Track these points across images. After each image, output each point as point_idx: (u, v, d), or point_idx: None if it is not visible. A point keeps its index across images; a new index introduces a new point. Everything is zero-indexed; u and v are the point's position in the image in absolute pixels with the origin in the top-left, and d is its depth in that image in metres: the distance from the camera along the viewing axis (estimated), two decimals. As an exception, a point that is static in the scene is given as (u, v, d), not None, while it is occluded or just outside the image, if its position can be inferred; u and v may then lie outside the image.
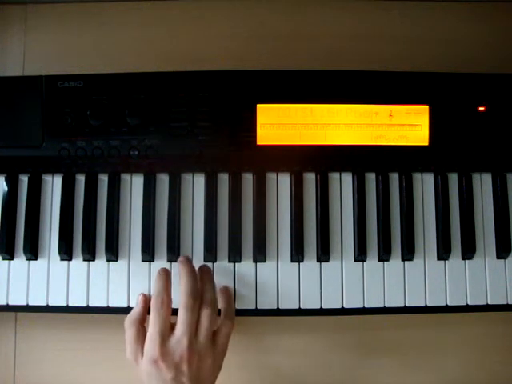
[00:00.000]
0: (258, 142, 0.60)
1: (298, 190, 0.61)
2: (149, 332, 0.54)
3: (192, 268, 0.57)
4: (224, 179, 0.61)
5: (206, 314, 0.55)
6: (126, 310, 0.58)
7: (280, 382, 0.65)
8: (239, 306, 0.59)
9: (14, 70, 0.68)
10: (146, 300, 0.58)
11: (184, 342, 0.53)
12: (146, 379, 0.53)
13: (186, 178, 0.61)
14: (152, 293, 0.57)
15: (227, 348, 0.56)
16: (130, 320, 0.57)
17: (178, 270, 0.58)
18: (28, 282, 0.59)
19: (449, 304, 0.59)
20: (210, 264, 0.60)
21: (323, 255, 0.59)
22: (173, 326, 0.55)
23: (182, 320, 0.54)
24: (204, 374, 0.54)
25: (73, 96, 0.60)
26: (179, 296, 0.55)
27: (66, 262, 0.60)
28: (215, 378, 0.55)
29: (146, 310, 0.57)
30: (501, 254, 0.60)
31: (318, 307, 0.59)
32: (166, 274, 0.57)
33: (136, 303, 0.58)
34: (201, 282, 0.57)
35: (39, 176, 0.61)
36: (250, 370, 0.65)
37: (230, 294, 0.59)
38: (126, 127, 0.60)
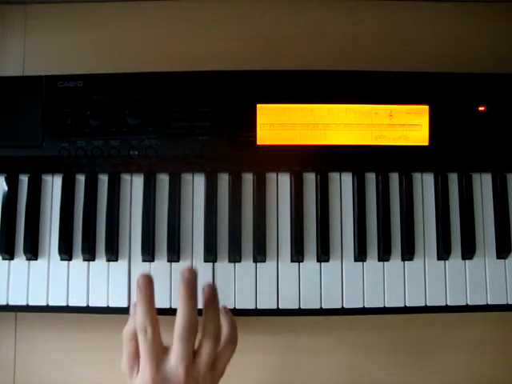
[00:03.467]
0: (258, 142, 0.60)
1: (297, 190, 0.61)
2: (141, 359, 0.50)
3: (193, 292, 0.52)
4: (224, 179, 0.61)
5: (207, 348, 0.51)
6: (126, 310, 0.58)
7: (278, 381, 0.65)
8: (239, 306, 0.59)
9: (14, 69, 0.68)
10: None
11: (180, 372, 0.49)
12: None
13: (186, 178, 0.61)
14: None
15: (224, 372, 0.53)
16: (127, 333, 0.52)
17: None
18: (28, 282, 0.59)
19: (449, 304, 0.59)
20: (209, 264, 0.60)
21: (323, 255, 0.59)
22: (166, 348, 0.51)
23: (176, 351, 0.50)
24: None
25: (73, 96, 0.60)
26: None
27: (66, 262, 0.60)
28: None
29: None
30: (501, 253, 0.60)
31: (318, 307, 0.59)
32: (147, 291, 0.52)
33: (130, 315, 0.54)
34: (204, 310, 0.53)
35: (39, 176, 0.61)
36: (248, 370, 0.65)
37: (232, 318, 0.56)
38: (126, 127, 0.60)
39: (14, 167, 0.61)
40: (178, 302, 0.51)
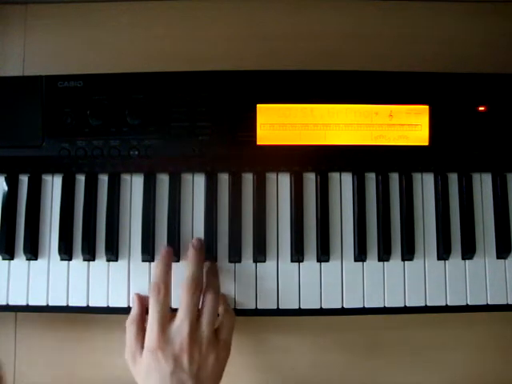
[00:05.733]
0: (258, 142, 0.60)
1: (297, 190, 0.61)
2: (148, 321, 0.54)
3: (201, 255, 0.57)
4: (224, 179, 0.61)
5: (209, 298, 0.55)
6: (126, 310, 0.58)
7: (279, 382, 0.65)
8: (239, 306, 0.59)
9: (14, 69, 0.68)
10: (141, 299, 0.58)
11: (185, 328, 0.52)
12: (144, 376, 0.52)
13: (186, 177, 0.61)
14: (151, 277, 0.57)
15: (230, 347, 0.56)
16: (130, 320, 0.57)
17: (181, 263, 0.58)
18: (28, 282, 0.59)
19: (449, 304, 0.59)
20: (210, 264, 0.60)
21: (323, 255, 0.59)
22: (173, 317, 0.54)
23: (183, 303, 0.54)
24: (206, 373, 0.52)
25: (73, 96, 0.60)
26: (175, 293, 0.56)
27: (66, 262, 0.60)
28: (219, 379, 0.54)
29: (144, 308, 0.57)
30: (501, 254, 0.60)
31: (318, 307, 0.59)
32: (168, 257, 0.57)
33: (132, 303, 0.58)
34: (205, 274, 0.57)
35: (39, 176, 0.61)
36: (251, 370, 0.65)
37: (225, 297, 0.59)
38: (126, 127, 0.60)
39: (14, 167, 0.61)
40: (188, 262, 0.56)
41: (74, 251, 0.60)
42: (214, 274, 0.58)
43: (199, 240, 0.59)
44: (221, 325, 0.56)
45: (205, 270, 0.58)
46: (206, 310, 0.54)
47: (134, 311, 0.57)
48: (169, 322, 0.54)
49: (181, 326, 0.52)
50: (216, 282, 0.58)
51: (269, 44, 0.68)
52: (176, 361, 0.51)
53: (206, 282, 0.57)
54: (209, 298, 0.55)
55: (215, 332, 0.55)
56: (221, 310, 0.57)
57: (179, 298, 0.55)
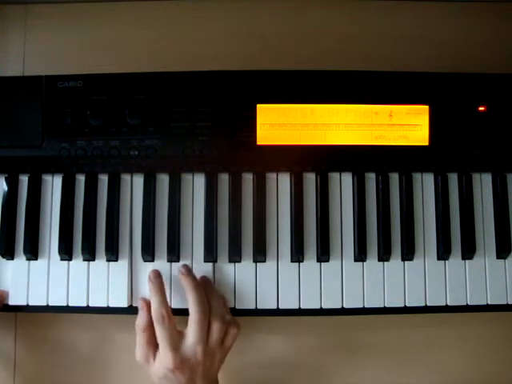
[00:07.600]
0: (258, 142, 0.60)
1: (297, 190, 0.61)
2: (160, 345, 0.55)
3: (195, 279, 0.58)
4: (224, 179, 0.61)
5: (216, 327, 0.56)
6: (126, 310, 0.59)
7: (279, 381, 0.65)
8: (239, 306, 0.59)
9: (14, 69, 0.68)
10: (147, 304, 0.57)
11: (199, 351, 0.54)
12: (161, 378, 0.55)
13: (186, 177, 0.61)
14: (151, 306, 0.56)
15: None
16: (139, 326, 0.57)
17: (178, 275, 0.59)
18: (28, 282, 0.59)
19: (449, 304, 0.59)
20: (209, 264, 0.60)
21: (323, 255, 0.59)
22: (181, 332, 0.55)
23: (193, 331, 0.55)
24: (213, 370, 0.56)
25: (73, 96, 0.60)
26: (175, 293, 0.57)
27: (66, 262, 0.60)
28: (219, 368, 0.57)
29: (151, 313, 0.57)
30: (501, 254, 0.60)
31: (318, 307, 0.59)
32: (158, 283, 0.57)
33: (139, 309, 0.58)
34: (206, 296, 0.57)
35: (39, 176, 0.61)
36: (249, 370, 0.65)
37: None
38: (126, 127, 0.60)
39: (14, 167, 0.61)
40: (188, 294, 0.57)
41: (73, 251, 0.60)
42: (212, 291, 0.58)
43: (187, 266, 0.59)
44: (227, 335, 0.57)
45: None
46: (214, 335, 0.56)
47: (143, 318, 0.57)
48: (179, 339, 0.55)
49: (195, 348, 0.54)
50: (217, 302, 0.57)
51: (269, 44, 0.68)
52: (192, 371, 0.54)
53: (210, 305, 0.57)
54: (215, 326, 0.56)
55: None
56: (228, 318, 0.58)
57: (189, 326, 0.55)
